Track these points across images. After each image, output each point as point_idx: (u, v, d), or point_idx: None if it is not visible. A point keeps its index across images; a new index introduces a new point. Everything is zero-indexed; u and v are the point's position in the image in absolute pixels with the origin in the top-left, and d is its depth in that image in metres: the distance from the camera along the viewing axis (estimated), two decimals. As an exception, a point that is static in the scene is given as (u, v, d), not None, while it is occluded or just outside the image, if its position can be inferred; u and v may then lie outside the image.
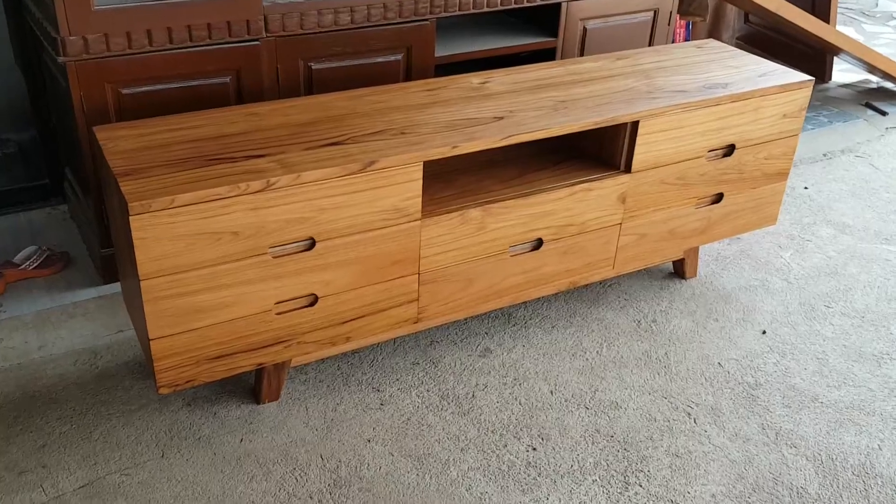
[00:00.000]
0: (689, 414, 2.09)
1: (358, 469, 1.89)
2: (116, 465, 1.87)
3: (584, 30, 2.95)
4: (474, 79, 2.31)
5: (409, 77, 2.63)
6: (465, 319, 2.39)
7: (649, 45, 3.19)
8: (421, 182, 1.91)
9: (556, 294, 2.52)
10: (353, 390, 2.12)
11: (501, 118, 2.06)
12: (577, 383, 2.18)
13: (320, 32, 2.42)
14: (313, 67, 2.45)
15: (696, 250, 2.63)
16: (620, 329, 2.40)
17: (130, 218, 1.62)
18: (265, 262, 1.81)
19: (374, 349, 2.27)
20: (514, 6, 2.74)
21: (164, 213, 1.65)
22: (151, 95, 2.25)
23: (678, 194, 2.35)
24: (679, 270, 2.67)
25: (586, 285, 2.57)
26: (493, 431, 2.01)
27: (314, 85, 2.48)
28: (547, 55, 2.93)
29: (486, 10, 2.69)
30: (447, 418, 2.04)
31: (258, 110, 2.04)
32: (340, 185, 1.81)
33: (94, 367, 2.16)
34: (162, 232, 1.66)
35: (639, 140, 2.18)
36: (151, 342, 1.77)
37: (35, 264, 2.41)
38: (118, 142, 1.86)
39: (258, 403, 2.07)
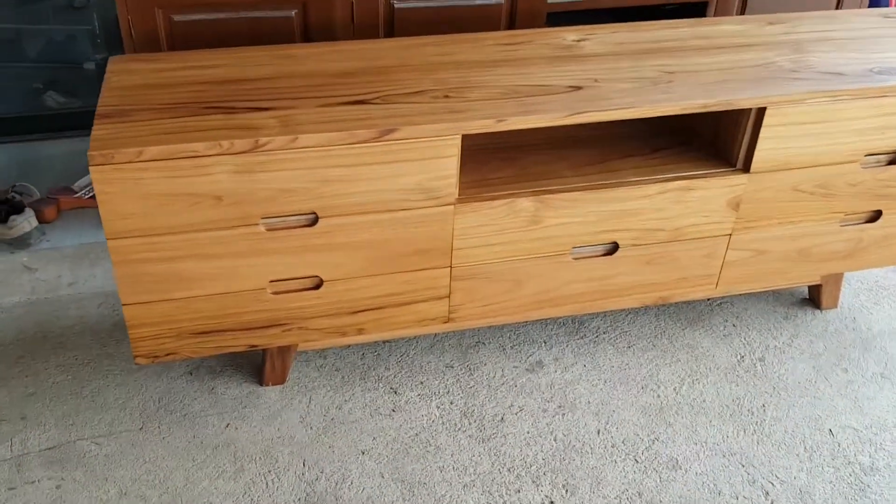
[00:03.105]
0: (767, 493, 1.62)
1: (338, 486, 1.62)
2: (92, 430, 1.72)
3: (749, -17, 2.40)
4: (570, 34, 1.88)
5: (512, 24, 2.23)
6: (525, 322, 2.03)
7: (837, 8, 2.56)
8: (457, 159, 1.55)
9: (645, 307, 2.08)
10: (368, 387, 1.84)
11: (579, 88, 1.64)
12: (635, 426, 1.76)
13: (406, -35, 2.08)
14: (396, 6, 2.12)
15: (839, 276, 2.08)
16: (715, 363, 1.93)
17: (90, 168, 1.40)
18: (257, 233, 1.54)
19: (408, 342, 1.96)
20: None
21: (129, 166, 1.41)
22: (207, 25, 2.02)
23: (816, 206, 1.82)
24: (815, 297, 2.13)
25: (688, 301, 2.11)
26: (509, 470, 1.66)
27: (396, 26, 2.15)
28: (696, 10, 2.41)
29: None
30: (461, 442, 1.71)
31: (295, 53, 1.75)
32: (350, 153, 1.49)
33: (115, 312, 2.02)
34: (129, 188, 1.43)
35: (764, 132, 1.68)
36: (124, 308, 1.57)
37: (91, 193, 2.30)
38: (125, 76, 1.64)
39: (261, 385, 1.84)
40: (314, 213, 1.55)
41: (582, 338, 1.99)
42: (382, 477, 1.64)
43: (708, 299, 2.12)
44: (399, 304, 1.71)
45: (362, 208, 1.56)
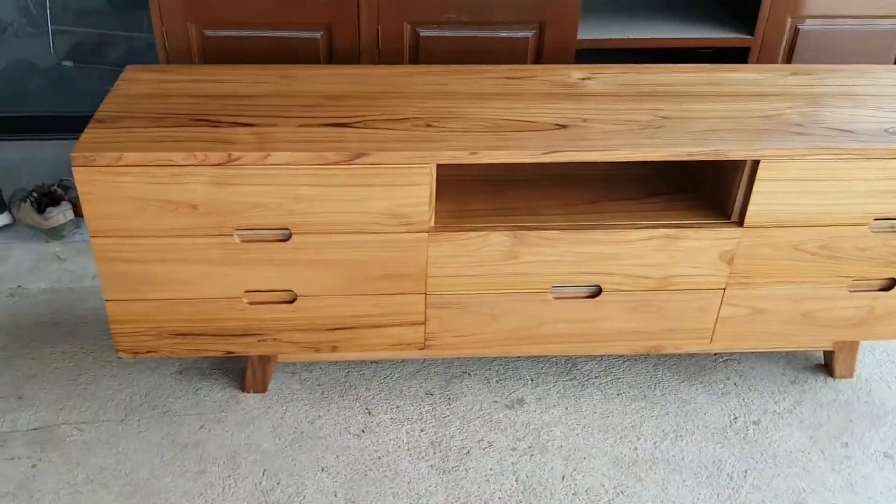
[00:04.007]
0: (724, 564, 1.54)
1: (290, 499, 1.64)
2: (78, 416, 1.81)
3: (796, 30, 2.30)
4: (576, 72, 1.87)
5: (539, 58, 2.23)
6: (517, 357, 2.00)
7: (897, 61, 2.43)
8: (429, 187, 1.56)
9: (644, 356, 2.02)
10: (344, 405, 1.86)
11: (565, 127, 1.62)
12: (604, 476, 1.71)
13: (433, -6, 2.11)
14: (421, 34, 2.15)
15: (854, 344, 1.95)
16: (705, 421, 1.85)
17: (73, 169, 1.49)
18: (232, 244, 1.60)
19: (394, 365, 1.97)
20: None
21: (109, 169, 1.49)
22: (236, 42, 2.11)
23: (821, 268, 1.73)
24: (829, 364, 2.01)
25: (692, 354, 2.03)
26: (461, 504, 1.64)
27: (420, 54, 2.18)
28: (738, 56, 2.33)
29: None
30: (422, 471, 1.71)
31: (297, 73, 1.81)
32: (321, 174, 1.53)
33: (127, 308, 2.13)
34: (109, 190, 1.51)
35: (758, 186, 1.61)
36: (106, 303, 1.65)
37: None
38: (132, 84, 1.74)
39: (243, 392, 1.89)
40: (287, 228, 1.59)
41: (571, 379, 1.95)
42: (335, 496, 1.65)
43: (714, 354, 2.04)
44: (373, 325, 1.73)
45: (334, 228, 1.59)
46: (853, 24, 2.31)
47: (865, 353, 2.05)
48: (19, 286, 2.19)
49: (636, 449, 1.78)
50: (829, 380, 1.98)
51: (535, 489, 1.68)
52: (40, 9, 3.34)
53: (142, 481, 1.67)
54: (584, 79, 1.83)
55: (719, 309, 1.77)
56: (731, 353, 2.04)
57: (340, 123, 1.61)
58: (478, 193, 1.76)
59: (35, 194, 2.30)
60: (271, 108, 1.65)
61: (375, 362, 1.98)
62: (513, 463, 1.73)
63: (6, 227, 2.37)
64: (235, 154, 1.49)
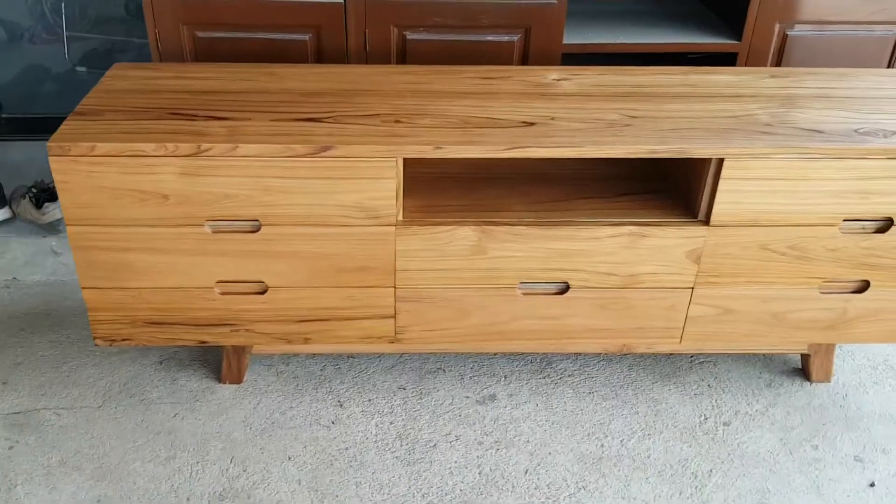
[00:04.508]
0: (680, 561, 1.54)
1: (255, 486, 1.67)
2: (58, 402, 1.86)
3: (784, 36, 2.30)
4: (551, 73, 1.89)
5: (525, 62, 2.25)
6: (494, 355, 2.02)
7: (889, 66, 2.41)
8: (396, 181, 1.59)
9: (624, 355, 2.03)
10: (317, 398, 1.89)
11: (532, 124, 1.65)
12: (567, 472, 1.72)
13: (418, -2, 2.15)
14: (408, 37, 2.19)
15: (829, 347, 1.94)
16: (674, 421, 1.85)
17: (49, 158, 1.55)
18: (202, 234, 1.64)
19: (370, 359, 2.00)
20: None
21: (83, 159, 1.54)
22: (227, 43, 2.17)
23: (790, 269, 1.73)
24: (805, 368, 2.00)
25: (668, 354, 2.03)
26: (423, 495, 1.65)
27: (408, 56, 2.22)
28: (727, 61, 2.34)
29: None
30: (387, 462, 1.73)
31: (280, 71, 1.85)
32: (290, 166, 1.56)
33: (116, 300, 2.18)
34: (83, 179, 1.56)
35: (723, 185, 1.62)
36: (83, 291, 1.70)
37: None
38: (118, 81, 1.79)
39: (219, 382, 1.93)
40: (257, 220, 1.63)
41: (545, 377, 1.96)
42: (299, 483, 1.68)
43: (690, 356, 2.04)
44: (344, 318, 1.76)
45: (303, 220, 1.63)
46: (844, 30, 2.31)
47: (844, 358, 2.04)
48: (15, 278, 2.26)
49: (602, 446, 1.78)
50: (806, 383, 1.97)
51: (497, 482, 1.69)
52: (56, 16, 3.44)
53: (113, 465, 1.71)
54: (559, 79, 1.86)
55: (688, 308, 1.78)
56: (708, 356, 2.04)
57: (312, 118, 1.64)
58: (449, 190, 1.79)
59: (34, 190, 2.37)
60: (247, 104, 1.69)
61: (351, 357, 2.01)
62: (478, 457, 1.75)
63: (6, 221, 2.44)
64: (205, 145, 1.54)
